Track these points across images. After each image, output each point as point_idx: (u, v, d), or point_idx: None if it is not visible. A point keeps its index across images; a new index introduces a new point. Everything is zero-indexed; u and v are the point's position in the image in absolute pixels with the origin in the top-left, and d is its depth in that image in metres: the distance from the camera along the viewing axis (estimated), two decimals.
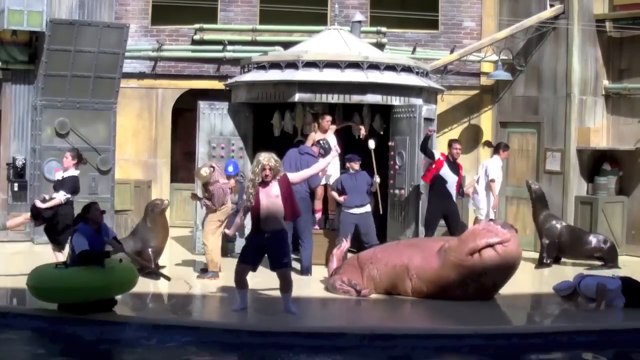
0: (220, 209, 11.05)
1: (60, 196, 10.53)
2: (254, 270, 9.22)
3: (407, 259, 10.05)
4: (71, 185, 10.69)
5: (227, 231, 10.34)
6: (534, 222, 12.88)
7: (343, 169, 12.08)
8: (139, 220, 11.82)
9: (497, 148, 13.31)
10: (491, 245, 9.58)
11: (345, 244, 11.00)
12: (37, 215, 10.61)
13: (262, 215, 8.92)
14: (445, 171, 11.90)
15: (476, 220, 13.38)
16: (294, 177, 9.19)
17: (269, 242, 8.97)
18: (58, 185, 10.76)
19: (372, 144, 11.75)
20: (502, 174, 13.24)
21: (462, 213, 14.12)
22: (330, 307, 9.98)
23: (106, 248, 9.13)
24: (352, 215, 11.58)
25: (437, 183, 11.92)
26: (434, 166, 11.93)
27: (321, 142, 11.86)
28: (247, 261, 9.13)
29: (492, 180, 12.90)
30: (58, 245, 10.63)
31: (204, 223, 11.27)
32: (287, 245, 9.20)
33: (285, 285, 9.14)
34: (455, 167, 12.10)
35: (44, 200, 10.69)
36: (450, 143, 12.25)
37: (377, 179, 11.66)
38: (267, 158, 8.95)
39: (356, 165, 11.69)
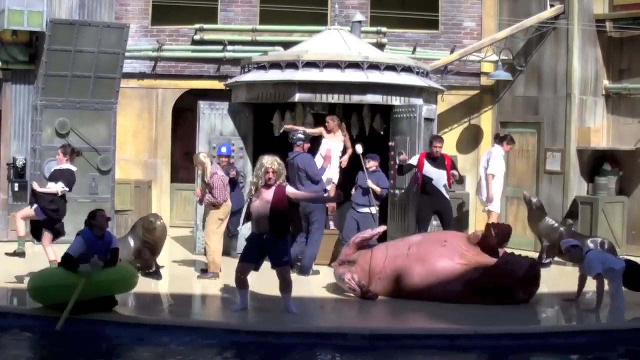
0: (222, 203, 11.01)
1: (59, 187, 10.49)
2: (256, 269, 9.22)
3: (419, 279, 9.82)
4: (69, 178, 10.62)
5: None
6: (531, 227, 12.85)
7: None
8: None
9: (503, 139, 13.35)
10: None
11: (381, 228, 10.73)
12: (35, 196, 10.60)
13: (253, 216, 8.99)
14: (427, 169, 11.83)
15: (490, 216, 13.36)
16: (291, 192, 9.16)
17: (267, 243, 8.99)
18: (57, 175, 10.68)
19: (359, 148, 11.81)
20: (504, 166, 13.30)
21: (468, 206, 14.20)
22: (332, 307, 9.97)
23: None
24: (355, 213, 11.76)
25: (423, 183, 11.89)
26: (416, 171, 11.93)
27: (291, 133, 11.77)
28: (248, 260, 9.14)
29: (492, 175, 12.95)
30: (55, 235, 10.61)
31: (205, 223, 11.27)
32: (287, 245, 9.20)
33: (285, 284, 9.14)
34: (438, 163, 11.92)
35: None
36: (430, 140, 12.04)
37: (369, 182, 11.69)
38: (270, 161, 8.96)
39: (370, 164, 11.74)
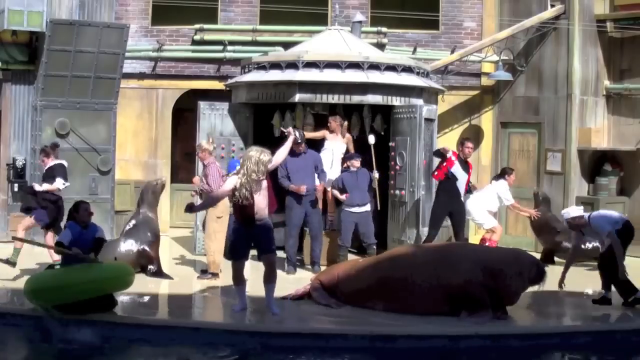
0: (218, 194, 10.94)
1: (59, 184, 10.52)
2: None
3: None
4: (63, 172, 10.71)
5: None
6: (532, 224, 12.81)
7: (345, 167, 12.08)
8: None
9: (503, 173, 12.62)
10: None
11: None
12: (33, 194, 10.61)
13: (258, 209, 8.94)
14: (456, 169, 11.79)
15: (494, 231, 13.23)
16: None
17: (257, 231, 9.01)
18: (56, 173, 10.76)
19: (372, 139, 11.79)
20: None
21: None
22: (331, 307, 9.93)
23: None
24: (352, 214, 11.61)
25: (447, 181, 11.81)
26: (445, 164, 11.86)
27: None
28: (241, 256, 9.18)
29: (514, 206, 12.54)
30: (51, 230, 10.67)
31: (205, 224, 11.24)
32: (272, 232, 9.24)
33: (270, 272, 9.16)
34: (465, 166, 12.00)
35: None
36: (463, 141, 12.15)
37: (376, 175, 11.67)
38: (267, 156, 8.96)
39: (357, 163, 11.70)
